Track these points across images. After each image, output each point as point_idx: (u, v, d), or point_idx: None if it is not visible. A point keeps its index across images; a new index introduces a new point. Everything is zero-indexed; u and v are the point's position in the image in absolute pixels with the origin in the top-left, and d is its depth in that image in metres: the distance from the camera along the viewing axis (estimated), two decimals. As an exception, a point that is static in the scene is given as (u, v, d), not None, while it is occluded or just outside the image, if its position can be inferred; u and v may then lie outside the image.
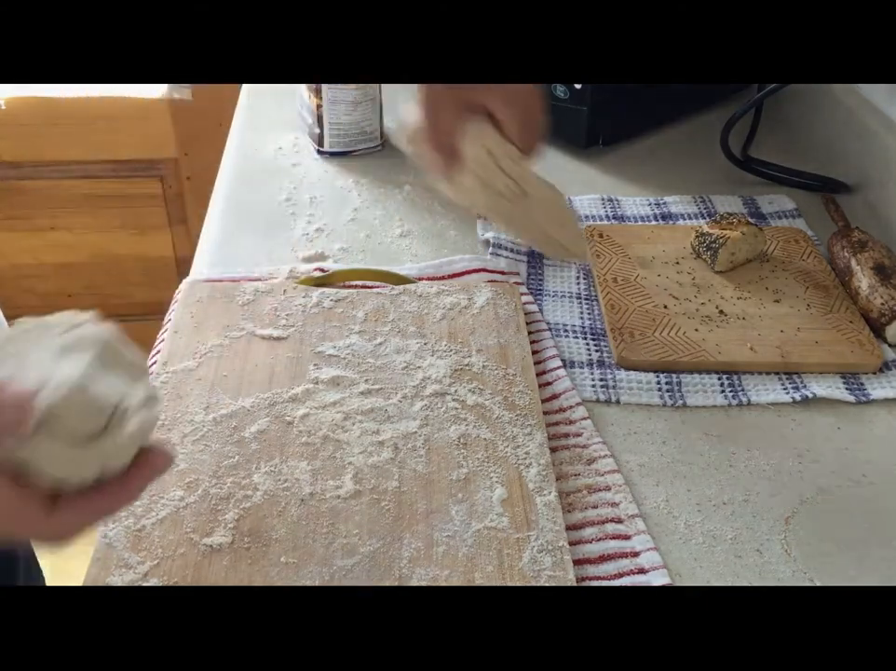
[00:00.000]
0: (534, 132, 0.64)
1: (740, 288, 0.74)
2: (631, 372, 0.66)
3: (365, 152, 0.94)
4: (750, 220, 0.77)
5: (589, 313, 0.73)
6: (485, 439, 0.58)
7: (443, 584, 0.49)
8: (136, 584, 0.49)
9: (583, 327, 0.71)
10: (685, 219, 0.85)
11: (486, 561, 0.51)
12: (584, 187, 0.90)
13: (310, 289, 0.71)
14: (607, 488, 0.57)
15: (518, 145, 0.62)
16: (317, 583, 0.49)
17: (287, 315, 0.68)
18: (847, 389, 0.65)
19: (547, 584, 0.49)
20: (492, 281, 0.74)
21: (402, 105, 0.61)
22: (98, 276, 1.79)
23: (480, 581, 0.49)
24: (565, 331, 0.71)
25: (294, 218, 0.83)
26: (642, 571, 0.52)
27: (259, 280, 0.73)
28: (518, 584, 0.49)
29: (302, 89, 0.93)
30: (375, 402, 0.61)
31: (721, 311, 0.71)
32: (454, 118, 0.60)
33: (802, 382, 0.66)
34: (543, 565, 0.50)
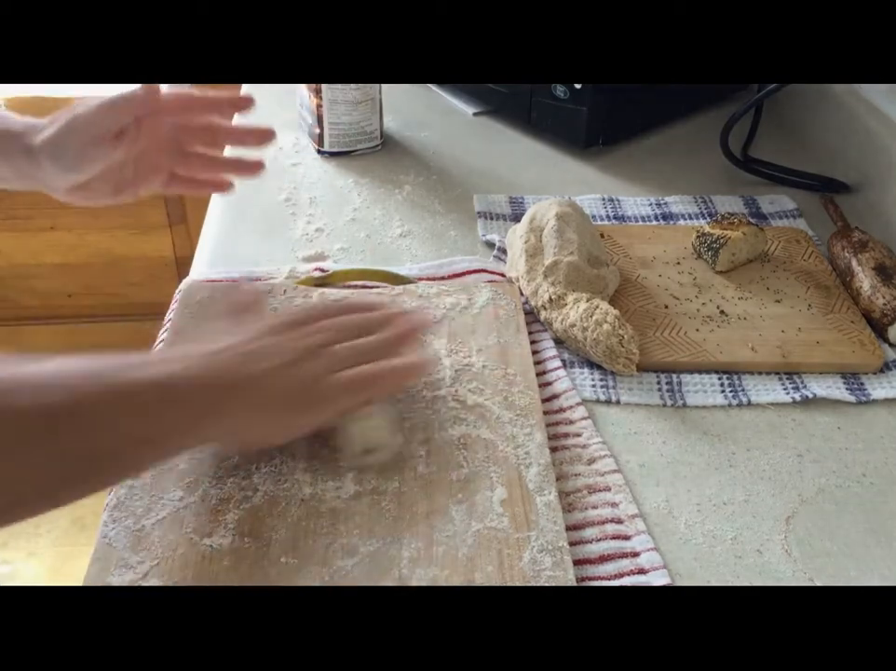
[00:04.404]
0: None
1: (741, 288, 0.74)
2: (632, 372, 0.66)
3: (365, 152, 0.94)
4: (751, 220, 0.77)
5: (589, 313, 0.73)
6: (485, 439, 0.58)
7: (443, 584, 0.49)
8: (136, 584, 0.49)
9: (583, 327, 0.71)
10: (685, 219, 0.85)
11: (486, 561, 0.50)
12: (584, 187, 0.90)
13: (310, 289, 0.71)
14: (607, 488, 0.57)
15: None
16: (317, 583, 0.49)
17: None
18: (847, 389, 0.65)
19: (547, 584, 0.49)
20: (492, 282, 0.74)
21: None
22: (98, 276, 1.79)
23: (480, 581, 0.49)
24: (565, 331, 0.70)
25: (294, 218, 0.83)
26: (642, 571, 0.52)
27: (259, 280, 0.73)
28: (518, 584, 0.49)
29: (302, 89, 0.93)
30: (375, 402, 0.61)
31: (722, 311, 0.71)
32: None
33: (802, 382, 0.66)
34: (543, 565, 0.50)
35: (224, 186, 0.73)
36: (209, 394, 0.49)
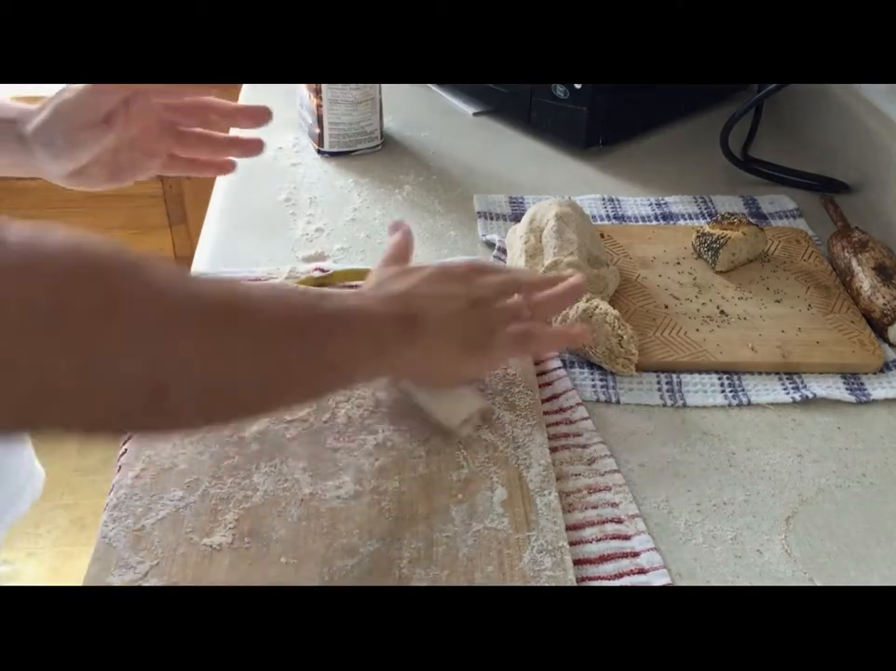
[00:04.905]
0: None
1: (741, 288, 0.74)
2: (632, 372, 0.66)
3: (365, 152, 0.94)
4: (751, 220, 0.77)
5: (589, 313, 0.73)
6: (485, 440, 0.58)
7: (443, 584, 0.49)
8: (136, 584, 0.49)
9: (583, 327, 0.71)
10: (685, 219, 0.85)
11: (486, 561, 0.51)
12: (584, 187, 0.90)
13: (310, 289, 0.71)
14: (607, 489, 0.57)
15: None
16: (317, 583, 0.49)
17: (287, 315, 0.68)
18: (847, 389, 0.65)
19: (547, 584, 0.49)
20: (492, 281, 0.73)
21: None
22: (98, 276, 1.79)
23: (480, 581, 0.49)
24: (565, 331, 0.70)
25: (294, 218, 0.83)
26: (642, 571, 0.52)
27: (259, 280, 0.73)
28: (518, 584, 0.49)
29: (302, 89, 0.93)
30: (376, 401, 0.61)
31: (722, 311, 0.71)
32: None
33: (802, 382, 0.66)
34: (543, 565, 0.50)
35: (226, 168, 0.72)
36: (398, 325, 0.52)
